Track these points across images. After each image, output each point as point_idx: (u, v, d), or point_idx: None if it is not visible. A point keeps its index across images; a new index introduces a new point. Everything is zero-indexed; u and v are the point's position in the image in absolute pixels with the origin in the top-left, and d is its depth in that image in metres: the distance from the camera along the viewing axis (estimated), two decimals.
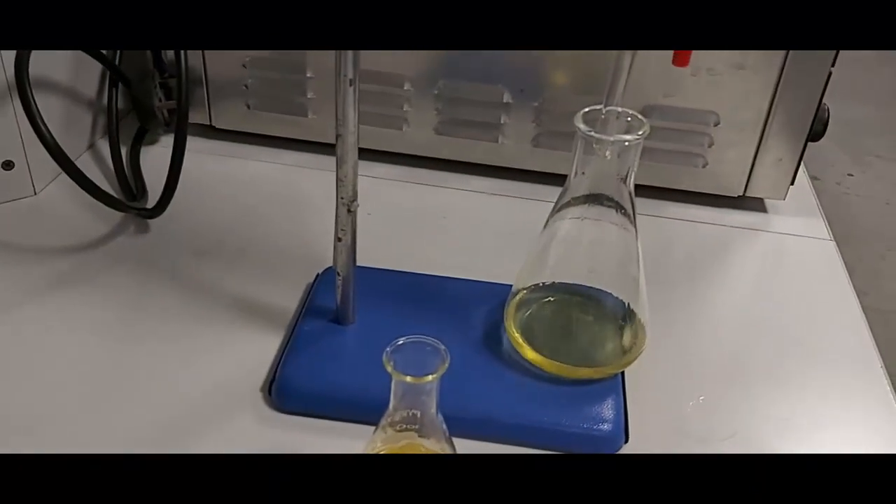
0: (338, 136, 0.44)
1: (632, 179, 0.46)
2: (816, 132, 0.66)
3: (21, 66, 0.56)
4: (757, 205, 0.69)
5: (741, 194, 0.68)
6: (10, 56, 0.58)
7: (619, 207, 0.47)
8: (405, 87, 0.68)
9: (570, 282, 0.51)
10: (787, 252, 0.67)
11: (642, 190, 0.68)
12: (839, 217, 1.97)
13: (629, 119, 0.44)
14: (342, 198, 0.46)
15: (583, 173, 0.46)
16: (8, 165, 0.63)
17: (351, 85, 0.42)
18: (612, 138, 0.43)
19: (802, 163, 0.69)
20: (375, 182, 0.70)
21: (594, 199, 0.47)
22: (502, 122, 0.68)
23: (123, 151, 0.71)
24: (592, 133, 0.43)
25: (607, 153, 0.44)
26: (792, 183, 0.68)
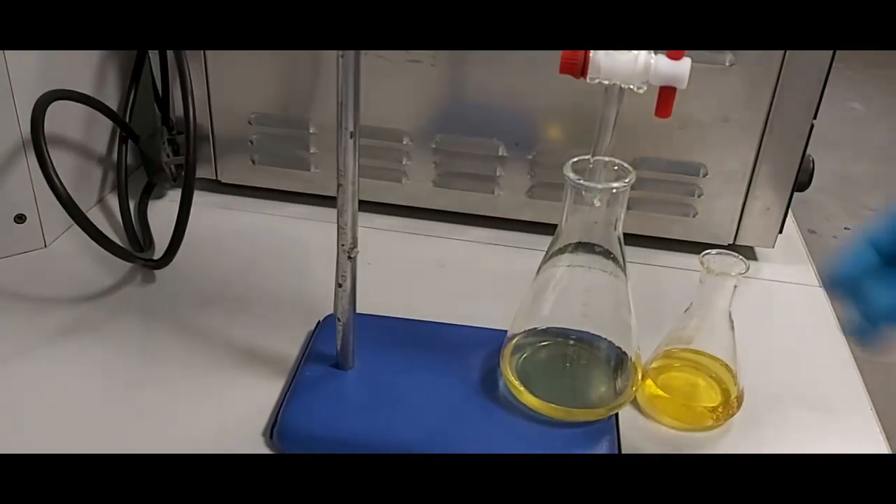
0: (339, 186, 0.46)
1: (620, 226, 0.48)
2: (802, 182, 0.68)
3: (37, 123, 0.58)
4: (747, 253, 0.71)
5: (731, 243, 0.70)
6: (25, 113, 0.60)
7: (608, 254, 0.49)
8: (404, 142, 0.70)
9: (563, 326, 0.52)
10: (778, 298, 0.68)
11: (635, 239, 0.71)
12: None
13: (616, 168, 0.46)
14: (342, 245, 0.48)
15: (573, 221, 0.48)
16: (20, 219, 0.65)
17: (352, 137, 0.44)
18: (600, 186, 0.45)
19: (791, 212, 0.72)
20: (376, 233, 0.72)
21: (584, 246, 0.49)
22: (498, 174, 0.70)
23: (132, 205, 0.73)
24: (581, 181, 0.45)
25: (596, 201, 0.46)
26: (780, 231, 0.70)
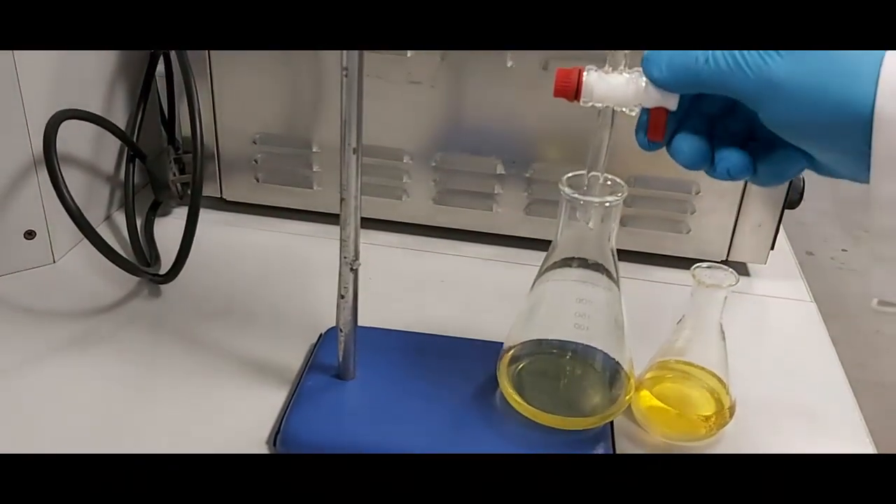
0: (342, 200, 0.48)
1: (613, 240, 0.49)
2: (793, 200, 0.70)
3: (49, 141, 0.60)
4: (740, 269, 0.73)
5: (724, 259, 0.72)
6: (36, 132, 0.62)
7: (602, 267, 0.50)
8: (405, 160, 0.72)
9: (558, 338, 0.54)
10: (770, 313, 0.70)
11: (630, 255, 0.72)
12: (834, 291, 2.00)
13: (609, 183, 0.48)
14: (345, 257, 0.50)
15: (567, 236, 0.50)
16: (30, 235, 0.67)
17: (354, 153, 0.46)
18: (593, 200, 0.47)
19: (784, 230, 0.73)
20: (377, 249, 0.73)
21: (578, 260, 0.50)
22: (496, 191, 0.72)
23: (138, 222, 0.75)
24: (576, 196, 0.47)
25: (591, 224, 0.48)
26: (772, 248, 0.72)
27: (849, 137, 0.37)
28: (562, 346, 0.54)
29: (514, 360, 0.54)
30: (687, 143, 0.43)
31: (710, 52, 0.40)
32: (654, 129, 0.44)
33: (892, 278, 0.39)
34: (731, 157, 0.42)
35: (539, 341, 0.54)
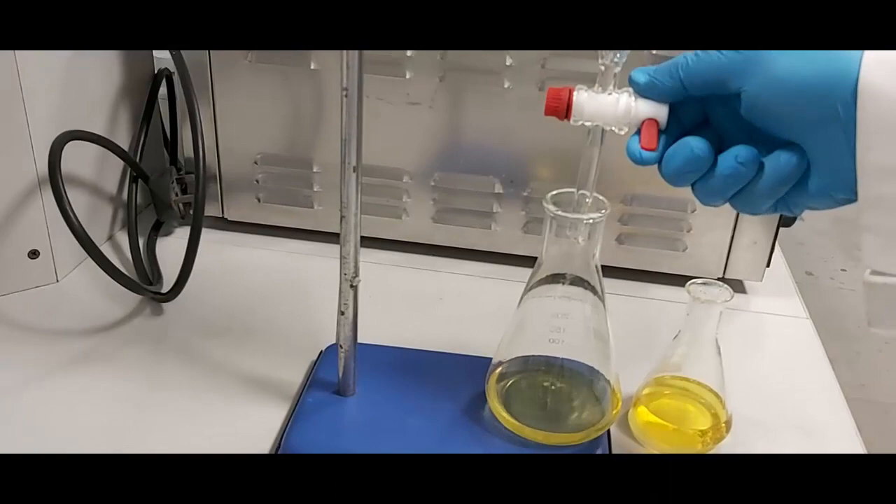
0: (342, 218, 0.49)
1: (598, 256, 0.50)
2: (787, 218, 0.71)
3: (54, 162, 0.61)
4: (736, 286, 0.73)
5: (721, 276, 0.72)
6: (41, 152, 0.63)
7: (587, 283, 0.51)
8: (404, 180, 0.73)
9: (544, 354, 0.54)
10: (767, 330, 0.70)
11: (628, 273, 0.73)
12: (834, 311, 2.00)
13: (590, 200, 0.48)
14: (345, 274, 0.50)
15: (553, 252, 0.50)
16: (34, 254, 0.68)
17: (354, 171, 0.47)
18: (577, 217, 0.48)
19: (779, 248, 0.74)
20: (377, 267, 0.74)
21: (564, 276, 0.51)
22: (494, 210, 0.73)
23: (141, 242, 0.75)
24: (560, 213, 0.48)
25: (580, 239, 0.49)
26: (768, 265, 0.72)
27: (834, 109, 0.38)
28: (548, 362, 0.54)
29: (501, 376, 0.54)
30: (695, 140, 0.42)
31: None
32: (648, 139, 0.44)
33: (882, 247, 0.39)
34: (736, 147, 0.42)
35: (525, 358, 0.54)
